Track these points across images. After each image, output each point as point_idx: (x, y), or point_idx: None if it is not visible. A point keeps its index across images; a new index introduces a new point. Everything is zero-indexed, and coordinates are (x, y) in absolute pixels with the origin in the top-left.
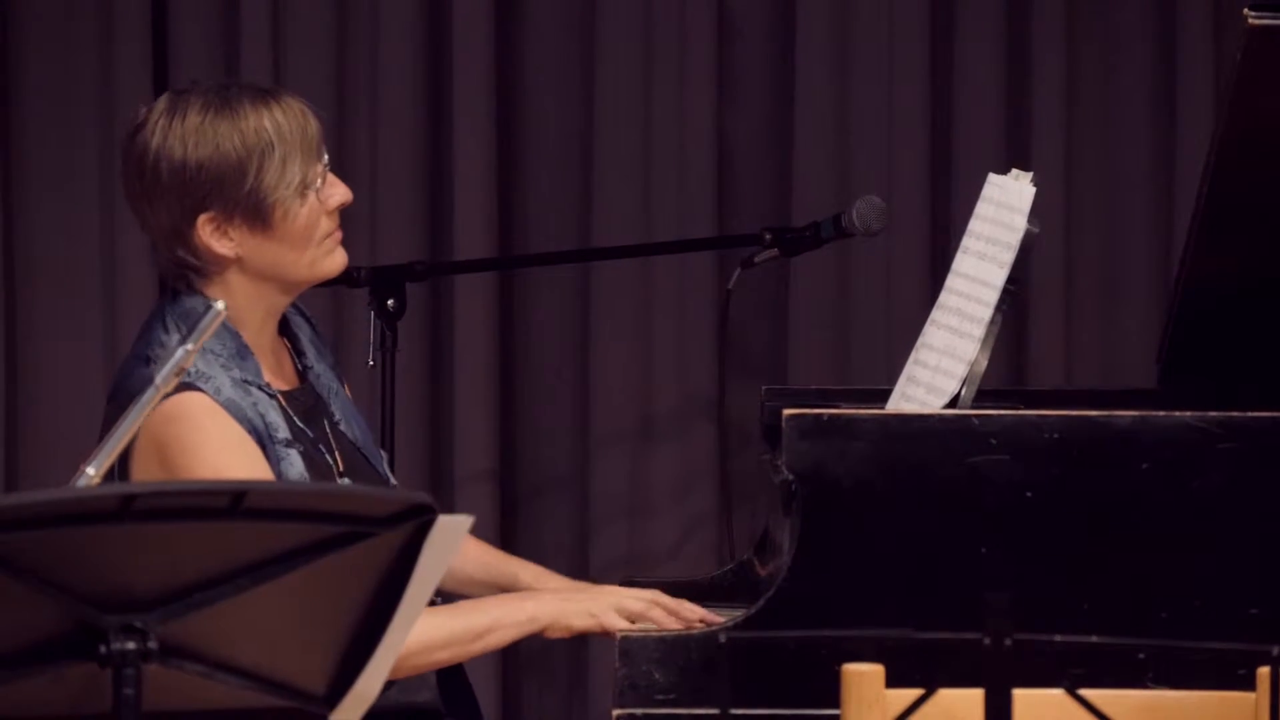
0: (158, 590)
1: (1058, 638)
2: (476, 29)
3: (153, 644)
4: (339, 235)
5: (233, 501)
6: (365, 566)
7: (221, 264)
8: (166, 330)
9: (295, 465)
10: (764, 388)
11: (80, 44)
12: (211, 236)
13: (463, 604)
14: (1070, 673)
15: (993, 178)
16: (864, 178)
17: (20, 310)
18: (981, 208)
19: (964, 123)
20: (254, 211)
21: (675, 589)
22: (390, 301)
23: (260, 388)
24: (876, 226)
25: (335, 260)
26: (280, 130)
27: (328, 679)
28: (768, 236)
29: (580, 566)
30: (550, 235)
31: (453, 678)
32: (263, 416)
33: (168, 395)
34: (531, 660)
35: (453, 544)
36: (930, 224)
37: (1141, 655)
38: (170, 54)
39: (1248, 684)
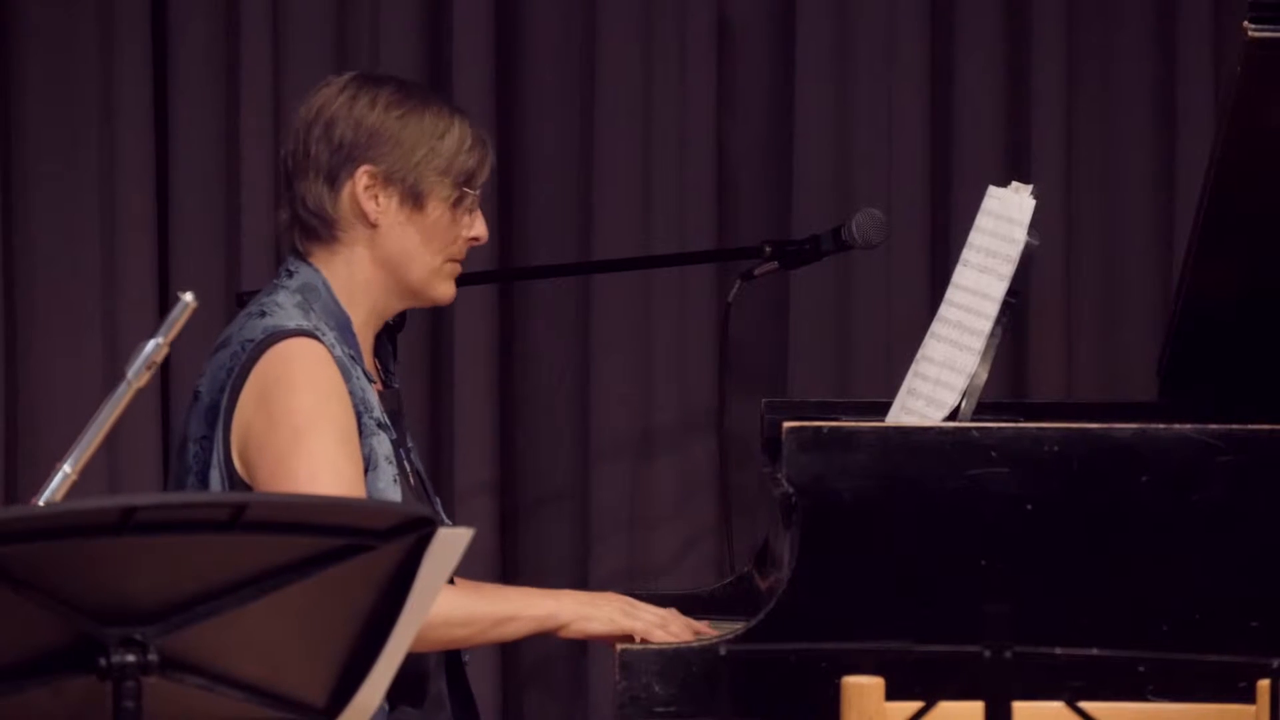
0: (158, 603)
1: (1058, 650)
2: (476, 42)
3: (153, 657)
4: (459, 267)
5: (233, 514)
6: (366, 579)
7: (356, 225)
8: (278, 294)
9: (384, 446)
10: (764, 400)
11: (80, 47)
12: (364, 191)
13: (486, 588)
14: (1070, 685)
15: (992, 190)
16: (863, 191)
17: (20, 318)
18: (981, 220)
19: (963, 135)
20: (412, 187)
21: (675, 601)
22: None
23: (363, 370)
24: (876, 239)
25: (449, 288)
26: (464, 134)
27: (328, 691)
28: (767, 249)
29: (580, 579)
30: (550, 248)
31: (463, 701)
32: (363, 391)
33: (137, 383)
34: (533, 672)
35: (453, 556)
36: (930, 237)
37: (1141, 668)
38: (170, 59)
39: (1247, 697)
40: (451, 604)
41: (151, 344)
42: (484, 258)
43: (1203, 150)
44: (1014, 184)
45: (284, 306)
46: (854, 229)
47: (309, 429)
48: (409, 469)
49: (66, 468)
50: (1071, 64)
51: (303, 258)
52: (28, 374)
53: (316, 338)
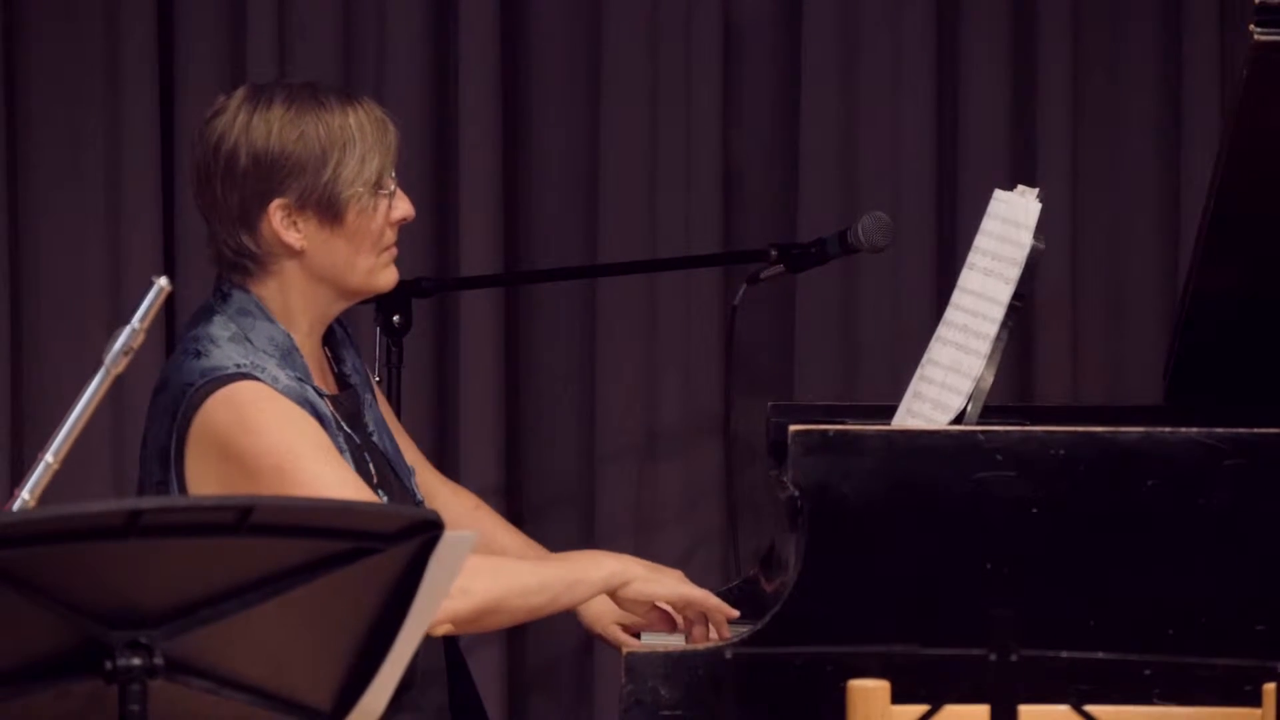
0: (164, 606)
1: (1064, 654)
2: (482, 45)
3: (158, 660)
4: (394, 251)
5: (239, 517)
6: (371, 582)
7: (283, 256)
8: (213, 324)
9: (347, 457)
10: (770, 404)
11: (86, 46)
12: (281, 224)
13: (548, 557)
14: (1076, 689)
15: (999, 194)
16: (870, 194)
17: (26, 316)
18: (987, 224)
19: (970, 139)
20: (327, 204)
21: None
22: (396, 318)
23: (312, 387)
24: (882, 243)
25: (390, 275)
26: (363, 128)
27: (333, 694)
28: (774, 253)
29: None
30: (556, 251)
31: (466, 701)
32: (317, 412)
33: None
34: (538, 674)
35: (459, 559)
36: (936, 240)
37: (1147, 671)
38: (177, 58)
39: (1254, 700)
40: (525, 573)
41: (127, 330)
42: (490, 261)
43: (1208, 153)
44: (1020, 188)
45: (219, 343)
46: (860, 232)
47: (291, 460)
48: (372, 469)
49: (49, 458)
50: (1077, 68)
51: (235, 283)
52: (34, 372)
53: (255, 376)
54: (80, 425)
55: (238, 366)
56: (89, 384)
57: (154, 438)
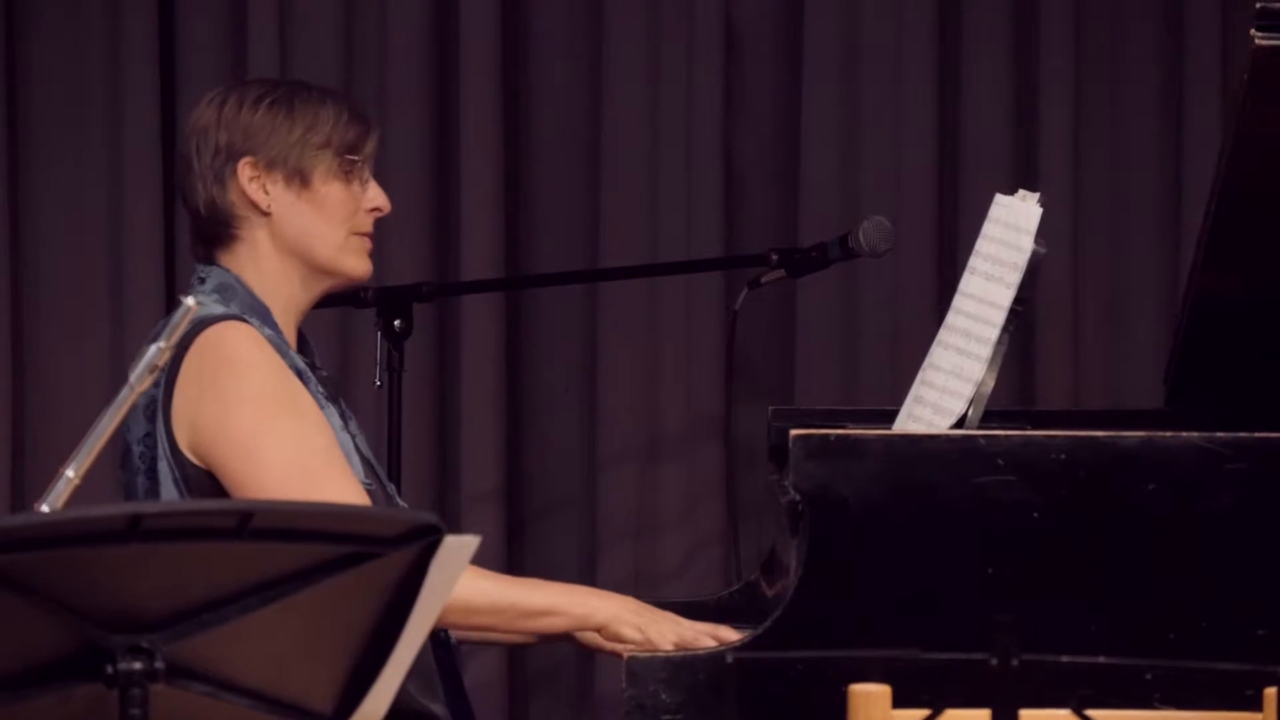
0: (165, 610)
1: (1064, 658)
2: (483, 47)
3: (159, 664)
4: (369, 243)
5: (240, 522)
6: (372, 586)
7: (252, 217)
8: (197, 298)
9: (334, 418)
10: (771, 408)
11: (89, 51)
12: (250, 183)
13: (528, 580)
14: (1077, 693)
15: (999, 198)
16: (871, 198)
17: (27, 321)
18: (988, 228)
19: (971, 143)
20: (294, 167)
21: (682, 609)
22: (397, 322)
23: (291, 353)
24: (883, 247)
25: (362, 263)
26: (340, 111)
27: (335, 699)
28: (775, 257)
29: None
30: (557, 256)
31: (458, 702)
32: (301, 367)
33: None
34: (539, 678)
35: (459, 564)
36: (937, 245)
37: (1148, 676)
38: (179, 64)
39: (1255, 705)
40: (481, 589)
41: (154, 349)
42: (491, 265)
43: (1209, 157)
44: (1021, 192)
45: (205, 304)
46: (861, 237)
47: (267, 413)
48: (356, 449)
49: (70, 473)
50: (1079, 72)
51: (211, 263)
52: (34, 378)
53: (244, 320)
54: (103, 442)
55: (225, 312)
56: (113, 401)
57: (145, 394)
